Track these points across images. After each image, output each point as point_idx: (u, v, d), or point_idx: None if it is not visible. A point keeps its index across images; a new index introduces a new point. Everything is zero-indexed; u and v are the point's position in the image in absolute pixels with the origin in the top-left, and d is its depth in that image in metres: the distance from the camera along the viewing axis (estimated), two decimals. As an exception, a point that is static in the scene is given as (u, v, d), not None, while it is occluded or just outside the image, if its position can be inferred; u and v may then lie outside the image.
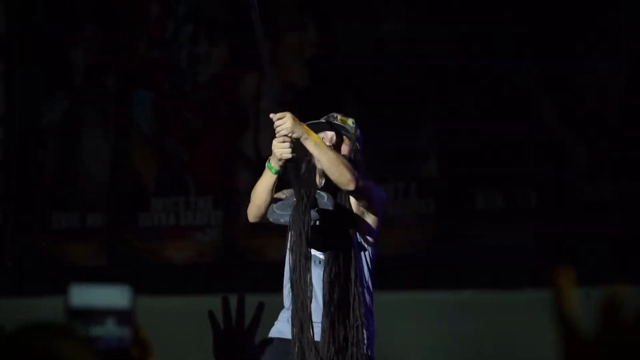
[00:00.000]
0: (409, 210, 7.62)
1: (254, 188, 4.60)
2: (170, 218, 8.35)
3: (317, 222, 4.51)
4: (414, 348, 6.99)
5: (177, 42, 8.64)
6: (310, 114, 4.52)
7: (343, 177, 4.39)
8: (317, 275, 4.57)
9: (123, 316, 2.09)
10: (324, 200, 4.51)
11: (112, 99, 8.82)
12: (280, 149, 4.33)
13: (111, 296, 1.98)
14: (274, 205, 4.57)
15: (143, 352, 1.87)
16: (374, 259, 4.73)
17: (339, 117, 4.76)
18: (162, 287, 7.58)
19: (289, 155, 4.34)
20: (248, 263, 7.85)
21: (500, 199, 7.47)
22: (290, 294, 4.61)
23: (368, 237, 4.67)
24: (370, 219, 4.65)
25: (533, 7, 7.46)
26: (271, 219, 4.63)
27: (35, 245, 8.72)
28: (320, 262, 4.58)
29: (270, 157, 4.43)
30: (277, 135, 4.33)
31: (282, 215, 4.56)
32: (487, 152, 7.52)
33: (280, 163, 4.40)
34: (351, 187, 4.41)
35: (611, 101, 7.26)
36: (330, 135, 4.63)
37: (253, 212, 4.64)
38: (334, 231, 4.61)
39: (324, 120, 4.69)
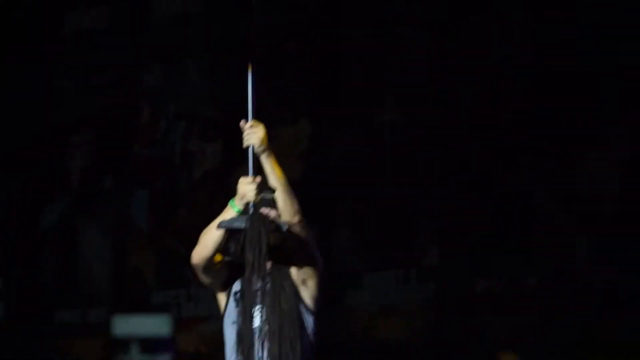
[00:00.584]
0: (409, 296, 8.00)
1: (208, 228, 4.48)
2: (173, 310, 8.75)
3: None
4: None
5: (170, 140, 9.21)
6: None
7: (293, 204, 4.37)
8: (266, 294, 4.48)
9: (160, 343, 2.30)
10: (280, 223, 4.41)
11: (109, 199, 9.40)
12: (245, 189, 4.32)
13: (151, 325, 2.08)
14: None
15: None
16: (316, 333, 4.54)
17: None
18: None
19: (252, 197, 4.31)
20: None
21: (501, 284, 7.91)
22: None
23: (310, 303, 4.54)
24: (312, 281, 4.54)
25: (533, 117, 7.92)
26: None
27: (37, 342, 9.16)
28: (263, 334, 4.48)
29: (235, 197, 4.41)
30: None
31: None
32: (486, 238, 7.98)
33: (243, 202, 4.37)
34: (297, 218, 4.37)
35: (606, 198, 7.75)
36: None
37: (200, 252, 4.50)
38: (279, 295, 4.46)
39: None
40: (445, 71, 8.23)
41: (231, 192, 8.54)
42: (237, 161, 8.50)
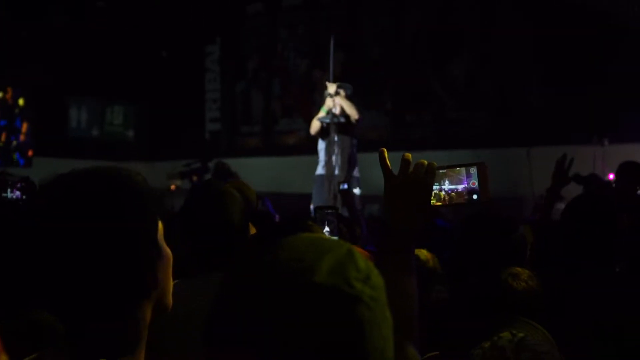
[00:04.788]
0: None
1: (314, 119, 9.25)
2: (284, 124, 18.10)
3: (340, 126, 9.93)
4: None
5: (291, 58, 18.20)
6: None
7: (353, 111, 8.98)
8: (337, 145, 9.34)
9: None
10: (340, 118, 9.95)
11: (261, 81, 18.50)
12: (330, 103, 8.94)
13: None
14: (319, 117, 9.15)
15: None
16: (357, 141, 9.50)
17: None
18: None
19: (332, 106, 8.97)
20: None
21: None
22: (324, 159, 9.15)
23: (355, 135, 9.37)
24: (357, 128, 9.37)
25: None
26: (318, 119, 9.16)
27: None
28: (338, 140, 9.37)
29: (324, 106, 9.14)
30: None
31: (324, 118, 9.03)
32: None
33: (327, 109, 8.94)
34: (355, 116, 9.05)
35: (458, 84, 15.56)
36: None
37: (312, 128, 9.25)
38: (343, 131, 9.89)
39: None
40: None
41: (311, 80, 18.49)
42: (314, 68, 17.42)
